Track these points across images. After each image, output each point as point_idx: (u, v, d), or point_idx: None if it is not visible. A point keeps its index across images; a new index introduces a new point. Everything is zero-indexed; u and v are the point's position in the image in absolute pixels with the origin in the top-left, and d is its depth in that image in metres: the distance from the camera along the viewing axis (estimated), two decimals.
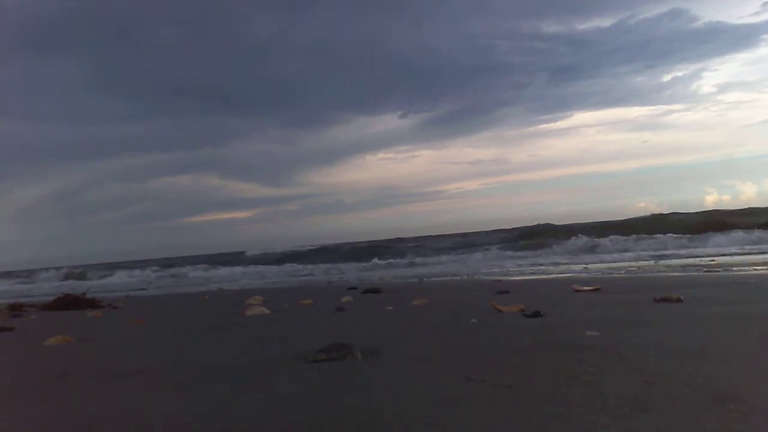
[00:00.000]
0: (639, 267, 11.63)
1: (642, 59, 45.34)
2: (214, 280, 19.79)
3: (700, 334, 2.93)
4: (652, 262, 12.90)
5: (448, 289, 8.73)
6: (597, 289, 5.92)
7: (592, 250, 19.53)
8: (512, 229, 30.95)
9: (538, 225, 30.36)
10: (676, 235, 19.89)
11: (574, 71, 45.73)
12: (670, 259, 13.89)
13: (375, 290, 8.05)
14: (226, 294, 10.81)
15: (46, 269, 32.24)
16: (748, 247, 15.69)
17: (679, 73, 44.95)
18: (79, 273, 30.22)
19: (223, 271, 25.16)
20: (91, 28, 43.53)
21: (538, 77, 45.48)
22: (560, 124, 54.78)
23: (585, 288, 6.06)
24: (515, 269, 14.12)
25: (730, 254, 13.88)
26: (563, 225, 29.22)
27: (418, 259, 22.16)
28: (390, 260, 22.79)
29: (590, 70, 46.86)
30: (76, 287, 11.10)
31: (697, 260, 12.41)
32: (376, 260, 22.93)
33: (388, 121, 53.04)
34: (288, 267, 24.06)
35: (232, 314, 5.76)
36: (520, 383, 2.05)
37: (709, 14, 46.40)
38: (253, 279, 19.06)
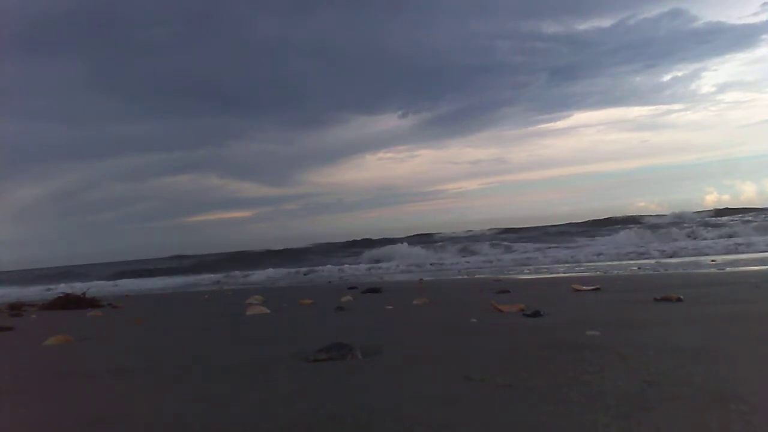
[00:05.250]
0: (639, 266, 11.63)
1: (642, 59, 45.44)
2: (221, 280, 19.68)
3: (700, 333, 2.92)
4: (652, 261, 12.90)
5: (448, 288, 8.72)
6: (597, 289, 5.92)
7: None
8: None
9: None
10: None
11: (574, 71, 45.81)
12: (671, 258, 13.89)
13: (375, 290, 8.05)
14: (226, 293, 10.81)
15: (46, 269, 32.26)
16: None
17: (679, 73, 45.06)
18: (79, 272, 30.21)
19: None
20: (90, 28, 43.55)
21: (538, 77, 45.56)
22: (560, 124, 54.89)
23: (585, 288, 6.06)
24: (515, 268, 14.12)
25: (731, 254, 13.88)
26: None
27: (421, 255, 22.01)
28: (390, 259, 22.73)
29: (590, 70, 46.94)
30: (76, 287, 11.10)
31: (697, 260, 12.41)
32: (376, 259, 22.90)
33: (388, 121, 53.15)
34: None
35: (232, 314, 5.76)
36: (520, 383, 2.04)
37: (708, 14, 46.59)
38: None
